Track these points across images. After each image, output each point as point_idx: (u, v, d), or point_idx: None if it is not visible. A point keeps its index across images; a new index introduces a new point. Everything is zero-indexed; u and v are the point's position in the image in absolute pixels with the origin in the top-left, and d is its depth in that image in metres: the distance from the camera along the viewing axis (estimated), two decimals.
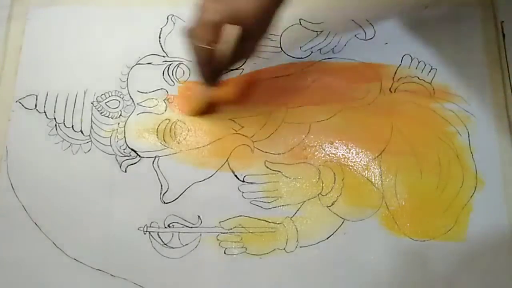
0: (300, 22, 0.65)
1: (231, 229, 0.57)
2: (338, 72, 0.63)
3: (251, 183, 0.59)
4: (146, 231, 0.57)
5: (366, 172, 0.59)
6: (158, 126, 0.61)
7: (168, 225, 0.57)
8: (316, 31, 0.65)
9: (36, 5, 0.66)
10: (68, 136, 0.60)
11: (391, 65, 0.64)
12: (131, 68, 0.63)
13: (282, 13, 0.51)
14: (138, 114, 0.61)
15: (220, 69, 0.53)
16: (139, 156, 0.60)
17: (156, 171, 0.59)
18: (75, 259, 0.56)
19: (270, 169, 0.59)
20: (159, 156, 0.59)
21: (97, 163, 0.59)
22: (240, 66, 0.63)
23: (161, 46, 0.64)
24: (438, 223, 0.57)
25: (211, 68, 0.52)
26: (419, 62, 0.64)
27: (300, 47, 0.64)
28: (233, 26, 0.47)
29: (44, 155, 0.59)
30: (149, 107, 0.62)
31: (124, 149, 0.60)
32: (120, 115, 0.61)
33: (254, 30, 0.49)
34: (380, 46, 0.64)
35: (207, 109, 0.61)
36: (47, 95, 0.62)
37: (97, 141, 0.60)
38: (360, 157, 0.60)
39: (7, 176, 0.59)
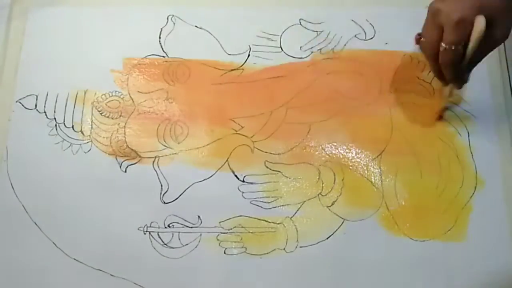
0: (300, 22, 0.65)
1: (231, 229, 0.57)
2: (338, 72, 0.63)
3: (251, 183, 0.59)
4: (146, 231, 0.57)
5: (366, 172, 0.59)
6: (158, 126, 0.61)
7: (168, 225, 0.57)
8: (316, 31, 0.65)
9: (36, 5, 0.66)
10: (68, 136, 0.60)
11: (391, 65, 0.64)
12: (132, 68, 0.63)
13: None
14: (138, 114, 0.61)
15: (469, 66, 0.52)
16: (139, 156, 0.60)
17: (156, 171, 0.59)
18: (75, 259, 0.56)
19: (270, 169, 0.59)
20: (159, 156, 0.59)
21: (97, 163, 0.59)
22: (242, 66, 0.63)
23: (161, 46, 0.64)
24: (438, 223, 0.57)
25: (460, 67, 0.51)
26: (419, 62, 0.64)
27: (300, 47, 0.64)
28: (478, 18, 0.46)
29: (44, 155, 0.59)
30: (149, 107, 0.62)
31: (124, 149, 0.60)
32: (120, 115, 0.61)
33: (501, 14, 0.47)
34: (380, 46, 0.64)
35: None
36: (47, 95, 0.62)
37: (97, 141, 0.60)
38: (360, 157, 0.60)
39: (7, 176, 0.59)
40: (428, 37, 0.51)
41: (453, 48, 0.48)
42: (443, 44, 0.49)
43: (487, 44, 0.49)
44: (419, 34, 0.53)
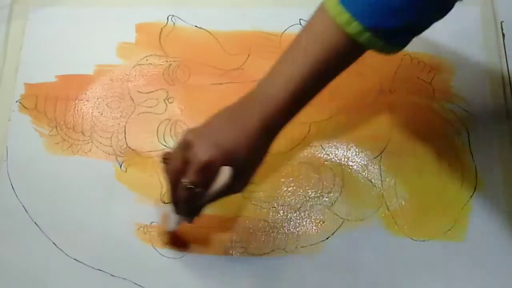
0: (300, 22, 0.65)
1: (231, 229, 0.57)
2: None
3: (251, 183, 0.58)
4: (146, 231, 0.56)
5: (366, 172, 0.59)
6: (158, 126, 0.61)
7: None
8: None
9: (36, 5, 0.66)
10: (68, 136, 0.60)
11: (391, 65, 0.64)
12: (132, 68, 0.63)
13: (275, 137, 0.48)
14: (138, 114, 0.61)
15: (199, 207, 0.50)
16: (139, 156, 0.60)
17: (156, 171, 0.59)
18: (75, 259, 0.55)
19: (270, 169, 0.59)
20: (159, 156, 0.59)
21: (98, 163, 0.59)
22: (242, 66, 0.63)
23: (161, 46, 0.64)
24: (438, 223, 0.57)
25: (191, 204, 0.49)
26: (419, 62, 0.64)
27: None
28: (226, 169, 0.45)
29: (44, 155, 0.59)
30: (149, 107, 0.62)
31: (124, 149, 0.60)
32: (120, 115, 0.61)
33: (246, 169, 0.47)
34: None
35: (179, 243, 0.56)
36: (47, 95, 0.62)
37: (98, 141, 0.60)
38: (360, 157, 0.60)
39: (7, 176, 0.58)
40: (173, 164, 0.47)
41: (192, 187, 0.46)
42: (183, 180, 0.46)
43: (225, 191, 0.48)
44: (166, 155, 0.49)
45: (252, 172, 0.49)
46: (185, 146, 0.47)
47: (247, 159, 0.47)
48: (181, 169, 0.46)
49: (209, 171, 0.45)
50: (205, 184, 0.46)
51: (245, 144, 0.46)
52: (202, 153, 0.45)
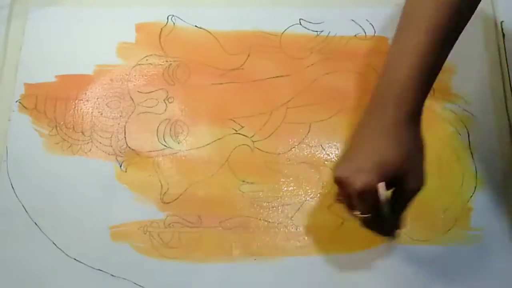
0: (300, 22, 0.65)
1: (231, 229, 0.57)
2: (338, 72, 0.63)
3: (251, 183, 0.59)
4: (146, 231, 0.57)
5: None
6: (158, 126, 0.61)
7: (168, 225, 0.57)
8: (316, 31, 0.65)
9: (36, 5, 0.66)
10: (68, 136, 0.60)
11: None
12: (132, 68, 0.63)
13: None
14: (138, 114, 0.61)
15: (395, 216, 0.49)
16: (139, 156, 0.60)
17: (156, 171, 0.59)
18: (75, 259, 0.56)
19: (270, 169, 0.59)
20: (159, 156, 0.59)
21: (97, 163, 0.59)
22: (242, 66, 0.63)
23: (161, 46, 0.64)
24: (438, 223, 0.57)
25: (382, 225, 0.49)
26: None
27: (300, 47, 0.64)
28: (379, 187, 0.43)
29: (44, 155, 0.59)
30: (149, 107, 0.62)
31: (124, 149, 0.60)
32: (120, 115, 0.61)
33: (410, 165, 0.45)
34: (380, 46, 0.64)
35: None
36: (47, 95, 0.62)
37: (98, 141, 0.60)
38: None
39: (7, 176, 0.59)
40: (344, 203, 0.49)
41: (366, 215, 0.46)
42: (354, 214, 0.47)
43: (404, 197, 0.47)
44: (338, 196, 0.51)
45: (420, 162, 0.47)
46: (338, 184, 0.46)
47: (402, 160, 0.45)
48: (350, 205, 0.48)
49: (367, 196, 0.44)
50: (373, 207, 0.45)
51: (392, 148, 0.44)
52: (352, 182, 0.44)
